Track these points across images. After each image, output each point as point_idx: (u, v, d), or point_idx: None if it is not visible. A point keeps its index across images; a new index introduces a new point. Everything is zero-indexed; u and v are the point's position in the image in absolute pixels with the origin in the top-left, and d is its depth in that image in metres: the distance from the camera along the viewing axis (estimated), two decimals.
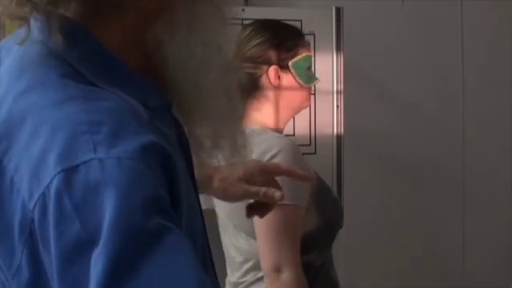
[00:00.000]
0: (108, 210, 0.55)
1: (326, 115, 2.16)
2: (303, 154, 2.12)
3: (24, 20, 0.66)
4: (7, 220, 0.60)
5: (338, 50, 2.18)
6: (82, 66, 0.66)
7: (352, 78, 2.34)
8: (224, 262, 1.65)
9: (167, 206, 0.60)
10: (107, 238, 0.54)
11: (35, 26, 0.67)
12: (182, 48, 0.71)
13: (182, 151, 0.75)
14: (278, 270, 1.43)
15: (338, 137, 2.18)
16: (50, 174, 0.57)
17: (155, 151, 0.61)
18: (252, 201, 1.17)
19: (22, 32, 0.67)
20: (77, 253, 0.55)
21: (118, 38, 0.69)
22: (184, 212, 0.65)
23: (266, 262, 1.45)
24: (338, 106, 2.15)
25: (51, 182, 0.57)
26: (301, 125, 2.10)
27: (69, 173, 0.56)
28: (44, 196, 0.57)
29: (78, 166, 0.56)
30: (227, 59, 0.77)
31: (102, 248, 0.54)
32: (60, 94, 0.63)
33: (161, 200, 0.59)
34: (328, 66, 2.17)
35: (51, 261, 0.57)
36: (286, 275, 1.42)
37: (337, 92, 2.15)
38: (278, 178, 1.45)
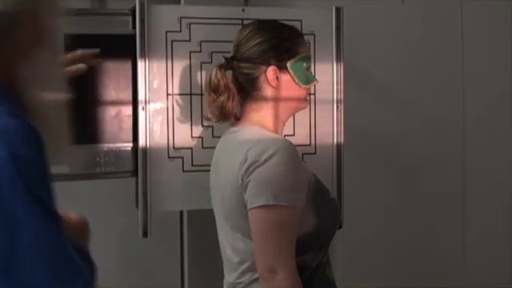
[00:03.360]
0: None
1: (327, 115, 2.16)
2: (303, 154, 2.14)
3: None
4: None
5: (338, 49, 2.18)
6: None
7: (352, 77, 2.34)
8: (221, 262, 1.64)
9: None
10: None
11: None
12: (26, 80, 1.03)
13: None
14: (272, 271, 1.42)
15: (338, 136, 2.17)
16: None
17: (32, 128, 0.92)
18: None
19: None
20: None
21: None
22: None
23: (261, 263, 1.45)
24: (337, 106, 2.15)
25: None
26: (301, 124, 2.10)
27: None
28: None
29: None
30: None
31: None
32: None
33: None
34: (328, 66, 2.17)
35: None
36: (281, 277, 1.42)
37: (337, 93, 2.15)
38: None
